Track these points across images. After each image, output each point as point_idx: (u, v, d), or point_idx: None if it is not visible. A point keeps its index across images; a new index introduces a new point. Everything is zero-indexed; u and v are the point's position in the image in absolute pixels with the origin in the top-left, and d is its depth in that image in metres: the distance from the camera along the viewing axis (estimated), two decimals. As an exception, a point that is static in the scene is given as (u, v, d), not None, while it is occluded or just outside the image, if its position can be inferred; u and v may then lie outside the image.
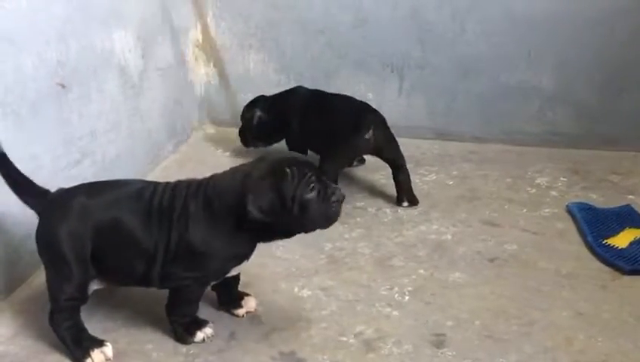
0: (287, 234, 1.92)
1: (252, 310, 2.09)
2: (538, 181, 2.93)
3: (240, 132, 3.21)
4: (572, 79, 3.20)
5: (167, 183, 1.95)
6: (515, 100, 3.28)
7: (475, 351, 1.89)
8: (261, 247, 2.42)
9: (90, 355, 1.87)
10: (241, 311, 2.08)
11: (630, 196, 2.76)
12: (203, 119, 3.64)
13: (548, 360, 1.85)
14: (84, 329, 1.91)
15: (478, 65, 3.27)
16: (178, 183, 1.94)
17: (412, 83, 3.38)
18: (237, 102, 3.57)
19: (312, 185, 1.81)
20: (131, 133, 2.91)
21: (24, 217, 2.00)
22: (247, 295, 2.11)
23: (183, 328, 1.96)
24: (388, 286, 2.20)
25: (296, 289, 2.21)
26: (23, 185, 1.92)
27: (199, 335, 1.95)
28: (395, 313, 2.07)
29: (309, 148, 2.92)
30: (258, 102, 3.14)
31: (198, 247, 1.83)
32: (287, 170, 1.80)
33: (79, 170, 2.54)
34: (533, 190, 2.85)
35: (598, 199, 2.71)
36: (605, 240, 2.37)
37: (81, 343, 1.88)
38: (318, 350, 1.92)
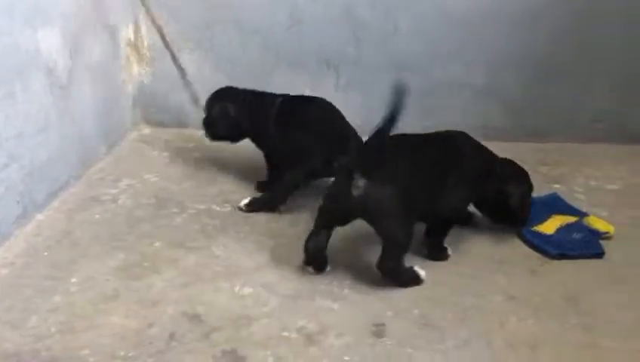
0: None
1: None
2: (471, 173, 3.02)
3: (209, 124, 2.91)
4: (501, 74, 3.33)
5: None
6: (448, 95, 3.38)
7: (413, 338, 1.94)
8: (201, 246, 2.42)
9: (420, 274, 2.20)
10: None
11: (557, 185, 2.89)
12: (137, 120, 3.56)
13: (483, 343, 1.92)
14: None
15: (412, 61, 3.35)
16: None
17: (348, 79, 3.43)
18: (172, 102, 3.53)
19: None
20: (62, 135, 2.81)
21: None
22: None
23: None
24: (327, 281, 2.22)
25: (237, 288, 2.19)
26: None
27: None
28: (336, 306, 2.09)
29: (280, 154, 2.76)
30: (229, 94, 2.89)
31: None
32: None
33: (7, 173, 2.44)
34: (467, 182, 2.94)
35: (528, 189, 2.83)
36: (534, 227, 2.47)
37: None
38: (260, 346, 1.91)
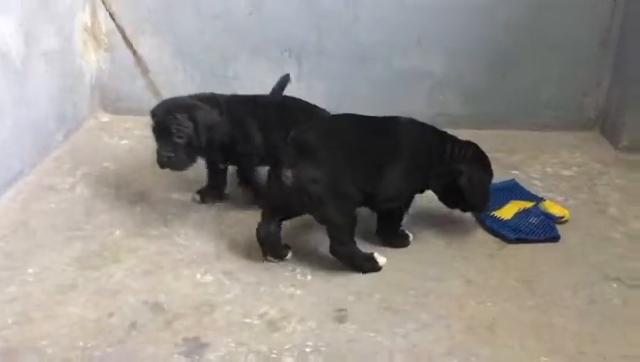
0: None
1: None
2: (431, 160, 3.06)
3: (174, 145, 2.33)
4: (459, 63, 3.38)
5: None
6: (408, 84, 3.41)
7: (375, 322, 1.96)
8: (162, 234, 2.40)
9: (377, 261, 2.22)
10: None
11: (514, 171, 2.96)
12: (95, 107, 3.49)
13: (442, 326, 1.96)
14: None
15: (373, 50, 3.37)
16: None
17: (310, 68, 3.43)
18: (131, 88, 3.46)
19: None
20: (16, 122, 2.73)
21: None
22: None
23: None
24: (290, 268, 2.23)
25: (198, 276, 2.18)
26: None
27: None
28: (298, 292, 2.10)
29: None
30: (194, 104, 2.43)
31: None
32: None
33: (-42, 161, 2.37)
34: (427, 169, 2.98)
35: (486, 175, 2.88)
36: (492, 213, 2.52)
37: None
38: (223, 333, 1.91)
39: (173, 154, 2.34)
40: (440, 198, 2.42)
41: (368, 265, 2.20)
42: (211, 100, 2.51)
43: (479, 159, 2.39)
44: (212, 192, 2.67)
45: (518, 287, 2.16)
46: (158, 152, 2.36)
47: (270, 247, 2.23)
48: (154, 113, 2.41)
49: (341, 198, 2.11)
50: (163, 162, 2.36)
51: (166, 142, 2.35)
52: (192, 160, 2.42)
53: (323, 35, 3.37)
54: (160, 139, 2.37)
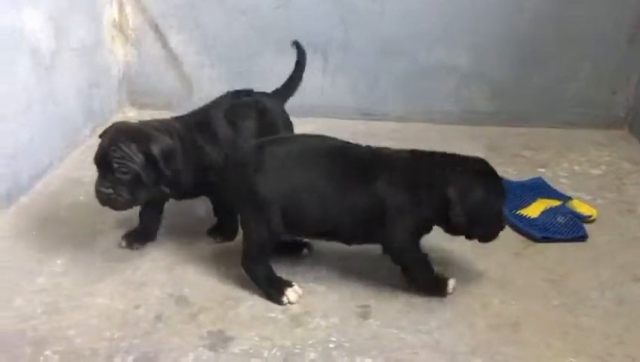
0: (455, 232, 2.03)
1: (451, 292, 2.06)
2: (457, 157, 3.04)
3: (115, 181, 2.02)
4: (486, 59, 3.34)
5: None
6: (434, 80, 3.39)
7: (398, 319, 1.96)
8: (189, 229, 2.41)
9: (285, 294, 2.01)
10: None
11: (541, 169, 2.92)
12: (123, 101, 3.54)
13: (466, 324, 1.94)
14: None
15: (398, 45, 3.35)
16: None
17: (336, 64, 3.42)
18: (158, 84, 3.49)
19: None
20: (45, 117, 2.78)
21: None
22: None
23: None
24: (311, 264, 2.23)
25: (223, 269, 2.20)
26: None
27: None
28: (322, 288, 2.10)
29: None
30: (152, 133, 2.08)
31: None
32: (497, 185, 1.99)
33: (-11, 154, 2.42)
34: (453, 166, 2.96)
35: (513, 173, 2.85)
36: (518, 211, 2.50)
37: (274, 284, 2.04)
38: (246, 327, 1.92)
39: (111, 191, 2.02)
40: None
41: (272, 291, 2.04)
42: (168, 125, 2.18)
43: (476, 183, 1.94)
44: (143, 235, 2.32)
45: (544, 286, 2.13)
46: (95, 187, 2.04)
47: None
48: (100, 137, 2.11)
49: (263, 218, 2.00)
50: (102, 199, 2.04)
51: (105, 175, 2.03)
52: (137, 199, 2.07)
53: (349, 29, 3.36)
54: (100, 171, 2.05)
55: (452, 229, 2.01)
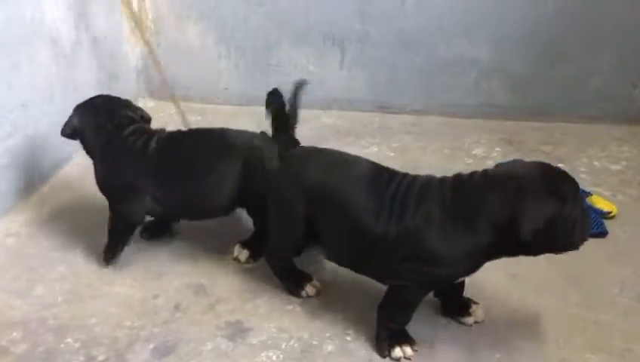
0: (534, 253, 1.73)
1: (480, 320, 1.91)
2: (475, 152, 3.03)
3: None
4: (506, 52, 3.30)
5: (406, 174, 1.80)
6: (453, 73, 3.36)
7: (416, 313, 1.92)
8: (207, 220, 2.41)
9: (304, 288, 2.01)
10: (469, 320, 1.91)
11: (561, 164, 2.84)
12: (141, 91, 3.55)
13: (485, 320, 1.94)
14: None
15: (417, 38, 3.32)
16: (417, 177, 1.78)
17: (353, 56, 3.41)
18: (176, 75, 3.50)
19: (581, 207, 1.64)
20: (66, 105, 2.78)
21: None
22: (475, 303, 1.93)
23: (386, 335, 1.80)
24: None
25: (242, 261, 2.21)
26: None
27: (397, 352, 1.77)
28: (339, 281, 2.11)
29: None
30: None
31: (431, 250, 1.66)
32: (566, 189, 1.62)
33: (11, 143, 2.45)
34: (470, 160, 2.95)
35: (531, 168, 2.83)
36: (537, 206, 2.47)
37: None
38: (265, 319, 1.94)
39: None
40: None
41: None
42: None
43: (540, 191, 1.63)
44: (162, 227, 2.36)
45: (563, 283, 2.12)
46: None
47: None
48: None
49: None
50: None
51: None
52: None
53: (367, 21, 3.34)
54: None
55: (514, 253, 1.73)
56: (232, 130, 2.19)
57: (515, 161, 1.81)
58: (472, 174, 1.72)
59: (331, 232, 1.84)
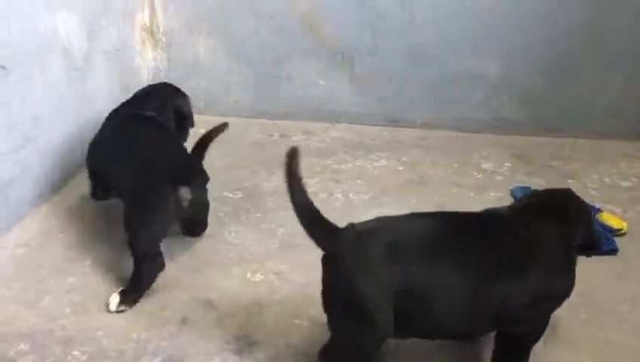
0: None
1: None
2: (484, 166, 3.02)
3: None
4: (516, 67, 3.31)
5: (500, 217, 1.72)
6: (462, 87, 3.37)
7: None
8: (213, 233, 2.42)
9: None
10: None
11: (570, 180, 2.88)
12: (152, 105, 3.57)
13: (491, 334, 1.92)
14: None
15: (427, 52, 3.33)
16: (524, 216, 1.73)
17: (362, 69, 3.42)
18: (187, 88, 3.51)
19: None
20: (77, 118, 2.83)
21: None
22: None
23: None
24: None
25: (248, 274, 2.21)
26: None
27: None
28: (347, 295, 2.10)
29: None
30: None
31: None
32: None
33: (23, 155, 2.46)
34: (480, 175, 2.94)
35: (541, 183, 2.81)
36: (547, 222, 2.46)
37: None
38: (272, 333, 1.93)
39: None
40: None
41: None
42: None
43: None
44: None
45: (573, 300, 2.05)
46: None
47: None
48: None
49: None
50: None
51: None
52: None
53: (377, 35, 3.35)
54: None
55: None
56: None
57: (538, 194, 1.89)
58: (526, 211, 1.75)
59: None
